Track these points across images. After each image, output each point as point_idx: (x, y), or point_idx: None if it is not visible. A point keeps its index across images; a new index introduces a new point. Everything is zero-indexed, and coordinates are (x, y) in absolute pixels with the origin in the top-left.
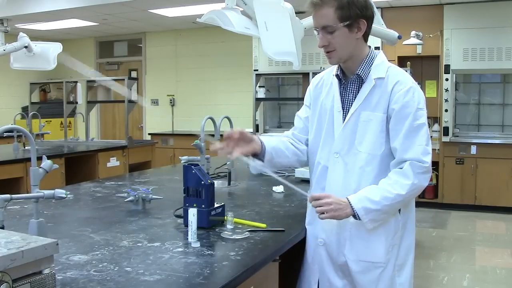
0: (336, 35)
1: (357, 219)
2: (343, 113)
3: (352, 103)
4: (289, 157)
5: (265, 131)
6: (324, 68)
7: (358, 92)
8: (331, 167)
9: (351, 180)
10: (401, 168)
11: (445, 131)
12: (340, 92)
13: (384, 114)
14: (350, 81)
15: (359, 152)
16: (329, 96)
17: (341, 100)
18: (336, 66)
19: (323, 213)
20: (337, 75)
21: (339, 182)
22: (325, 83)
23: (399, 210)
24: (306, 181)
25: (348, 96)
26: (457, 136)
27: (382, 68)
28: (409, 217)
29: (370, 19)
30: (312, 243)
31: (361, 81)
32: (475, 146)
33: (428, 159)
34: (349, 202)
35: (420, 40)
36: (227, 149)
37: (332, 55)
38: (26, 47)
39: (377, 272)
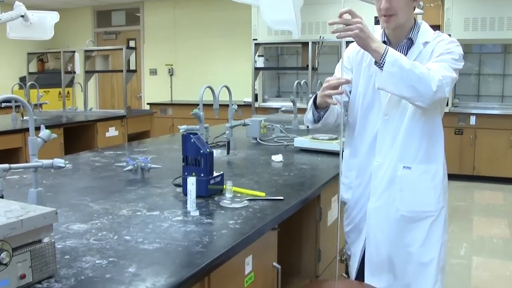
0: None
1: (381, 63)
2: None
3: None
4: (335, 117)
5: (264, 101)
6: (323, 37)
7: (406, 55)
8: (381, 129)
9: (397, 144)
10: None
11: None
12: None
13: None
14: (400, 45)
15: (407, 110)
16: (373, 60)
17: None
18: (378, 34)
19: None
20: (384, 42)
21: (389, 146)
22: None
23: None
24: (304, 151)
25: None
26: (457, 106)
27: (429, 34)
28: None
29: None
30: (362, 207)
31: (409, 45)
32: (475, 116)
33: (446, 77)
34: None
35: (420, 9)
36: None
37: (392, 19)
38: (22, 16)
39: (428, 221)
